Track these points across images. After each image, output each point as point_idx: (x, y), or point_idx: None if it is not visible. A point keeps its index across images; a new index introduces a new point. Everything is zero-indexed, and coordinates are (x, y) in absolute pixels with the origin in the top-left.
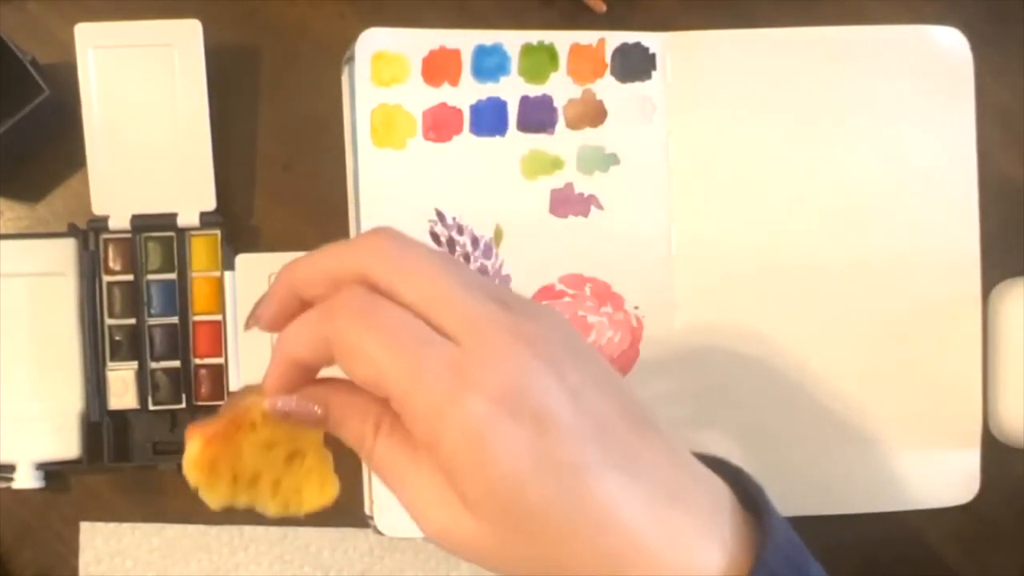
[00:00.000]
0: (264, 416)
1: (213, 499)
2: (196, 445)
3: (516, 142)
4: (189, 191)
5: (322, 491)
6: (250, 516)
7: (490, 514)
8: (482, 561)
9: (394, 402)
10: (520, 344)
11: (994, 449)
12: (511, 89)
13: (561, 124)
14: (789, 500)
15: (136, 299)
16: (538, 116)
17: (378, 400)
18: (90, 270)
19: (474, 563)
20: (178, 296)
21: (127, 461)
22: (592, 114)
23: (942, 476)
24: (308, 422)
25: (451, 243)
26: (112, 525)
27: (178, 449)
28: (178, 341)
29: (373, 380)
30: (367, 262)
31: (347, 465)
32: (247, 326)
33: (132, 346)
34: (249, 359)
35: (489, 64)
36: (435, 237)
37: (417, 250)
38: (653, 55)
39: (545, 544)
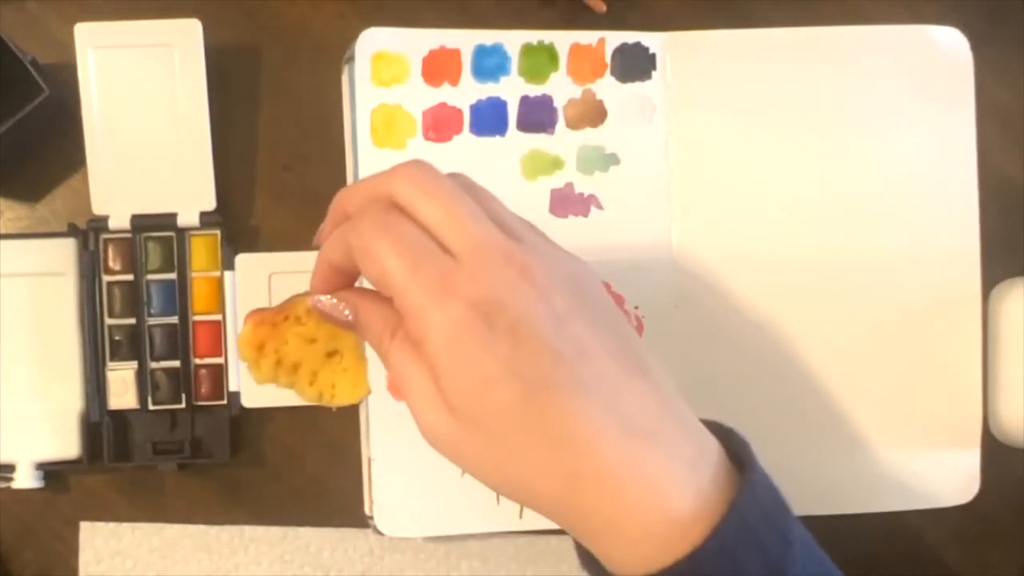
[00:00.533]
0: (308, 312)
1: (257, 375)
2: (248, 326)
3: (516, 142)
4: (189, 191)
5: (354, 389)
6: (250, 516)
7: (462, 414)
8: (456, 459)
9: (395, 301)
10: (511, 267)
11: (994, 449)
12: (511, 89)
13: (561, 124)
14: (789, 500)
15: (136, 299)
16: (538, 116)
17: (397, 311)
18: (90, 270)
19: (453, 462)
20: (178, 296)
21: (127, 461)
22: (592, 114)
23: (942, 476)
24: (341, 322)
25: None
26: (112, 525)
27: (178, 449)
28: (178, 341)
29: (381, 280)
30: (396, 184)
31: (347, 466)
32: (312, 244)
33: (132, 346)
34: None
35: (489, 64)
36: None
37: (441, 179)
38: (653, 55)
39: (507, 451)
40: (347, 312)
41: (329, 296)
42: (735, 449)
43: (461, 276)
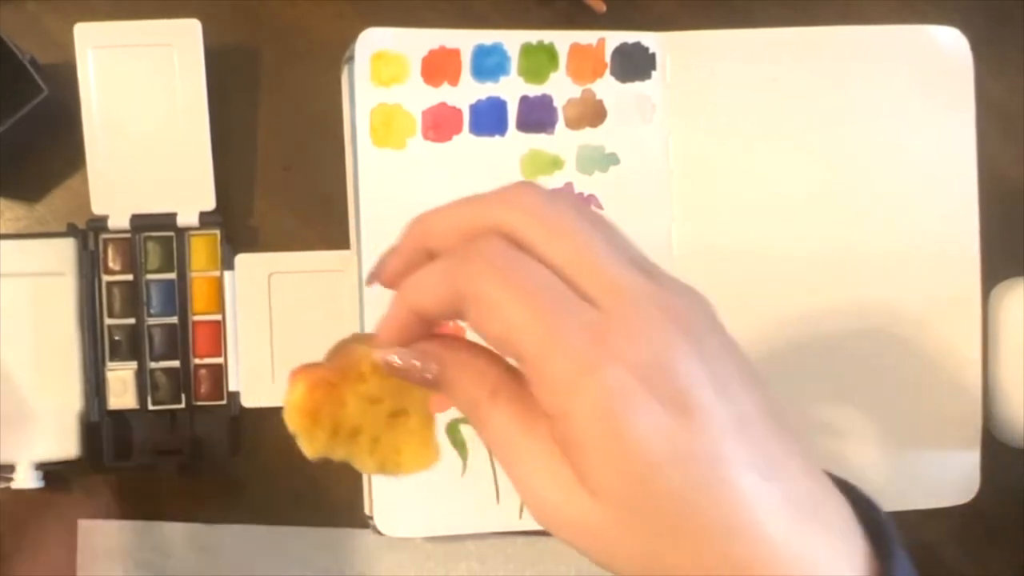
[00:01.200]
0: (373, 368)
1: (311, 448)
2: (301, 389)
3: (516, 142)
4: (189, 191)
5: (422, 455)
6: (250, 516)
7: (611, 497)
8: (588, 547)
9: (525, 365)
10: (668, 319)
11: (994, 449)
12: (511, 89)
13: (561, 124)
14: None
15: (136, 299)
16: (538, 116)
17: (497, 363)
18: (90, 270)
19: (579, 548)
20: (178, 296)
21: (127, 461)
22: (592, 114)
23: (942, 476)
24: (419, 380)
25: None
26: (110, 523)
27: (178, 449)
28: (177, 341)
29: (505, 338)
30: (509, 215)
31: (347, 466)
32: (369, 281)
33: (131, 346)
34: (249, 359)
35: (489, 64)
36: None
37: (564, 206)
38: (653, 55)
39: (665, 538)
40: (433, 367)
41: (406, 350)
42: (863, 510)
43: (616, 333)
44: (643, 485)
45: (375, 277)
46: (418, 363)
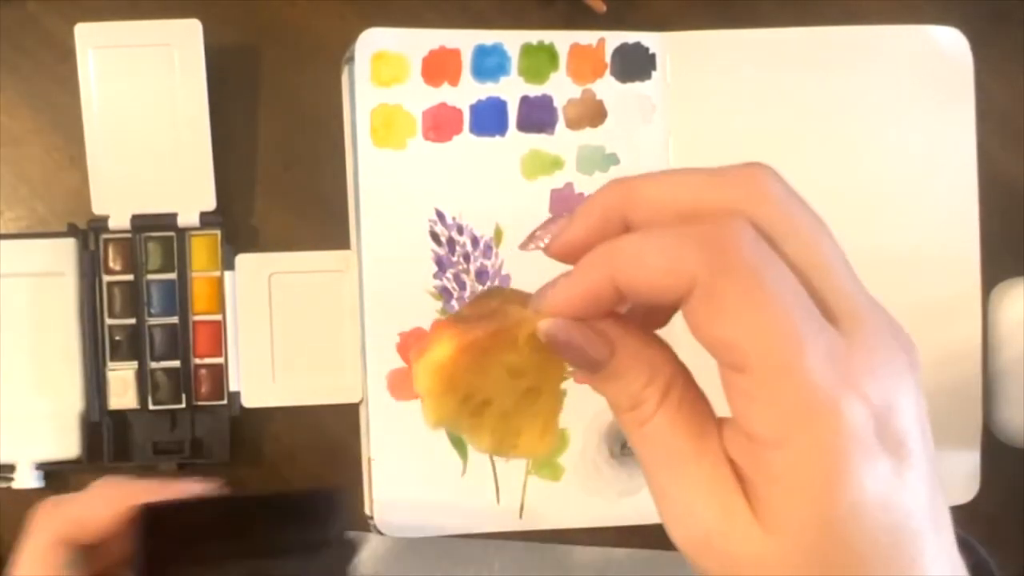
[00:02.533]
0: (528, 338)
1: (436, 414)
2: (447, 348)
3: (516, 142)
4: (189, 191)
5: (542, 440)
6: None
7: (793, 535)
8: None
9: (748, 377)
10: (903, 354)
11: (994, 449)
12: (511, 89)
13: (561, 124)
14: None
15: (136, 299)
16: (538, 116)
17: (673, 361)
18: (90, 270)
19: None
20: (178, 296)
21: (127, 461)
22: (592, 114)
23: (942, 476)
24: (582, 362)
25: (451, 243)
26: None
27: (178, 449)
28: (178, 341)
29: (734, 344)
30: (749, 201)
31: (347, 466)
32: (525, 245)
33: (132, 346)
34: (249, 359)
35: (489, 64)
36: (435, 237)
37: (804, 205)
38: (653, 55)
39: None
40: (603, 354)
41: (579, 325)
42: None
43: (860, 365)
44: (837, 528)
45: (543, 241)
46: (589, 343)
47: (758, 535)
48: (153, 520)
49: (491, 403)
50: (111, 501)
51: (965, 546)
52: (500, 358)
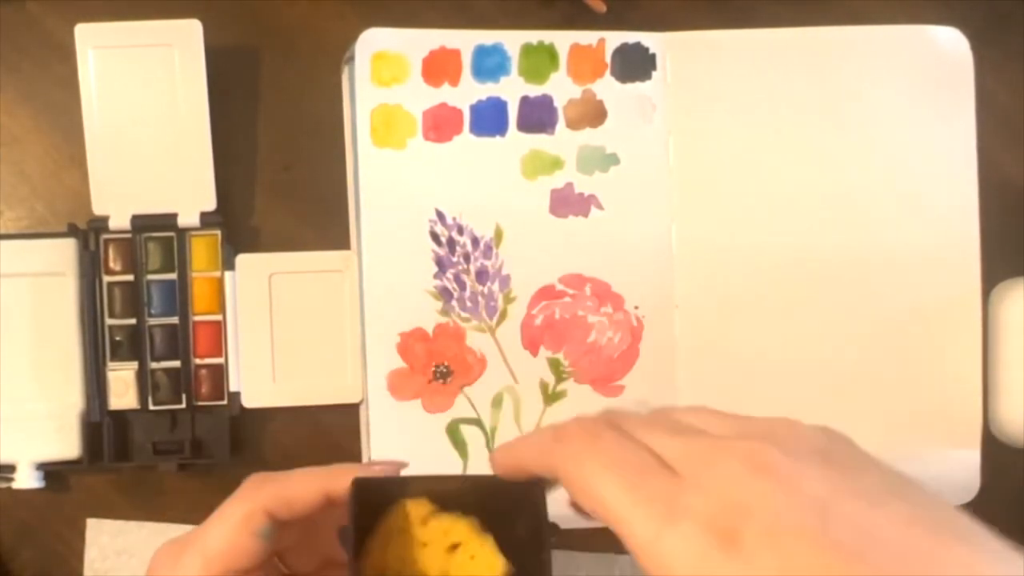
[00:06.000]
0: (413, 518)
1: None
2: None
3: (516, 142)
4: (189, 191)
5: (492, 572)
6: None
7: None
8: None
9: (619, 535)
10: (735, 462)
11: (994, 449)
12: (511, 89)
13: (561, 124)
14: None
15: (136, 299)
16: (538, 116)
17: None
18: (90, 270)
19: None
20: (178, 296)
21: (127, 461)
22: (592, 114)
23: (942, 476)
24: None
25: (451, 243)
26: (118, 523)
27: (178, 449)
28: (178, 341)
29: (596, 511)
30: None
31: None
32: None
33: (132, 346)
34: (249, 359)
35: (489, 64)
36: (435, 237)
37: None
38: (653, 55)
39: None
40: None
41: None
42: None
43: (689, 491)
44: None
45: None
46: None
47: None
48: (363, 492)
49: (428, 573)
50: (319, 480)
51: None
52: (410, 542)
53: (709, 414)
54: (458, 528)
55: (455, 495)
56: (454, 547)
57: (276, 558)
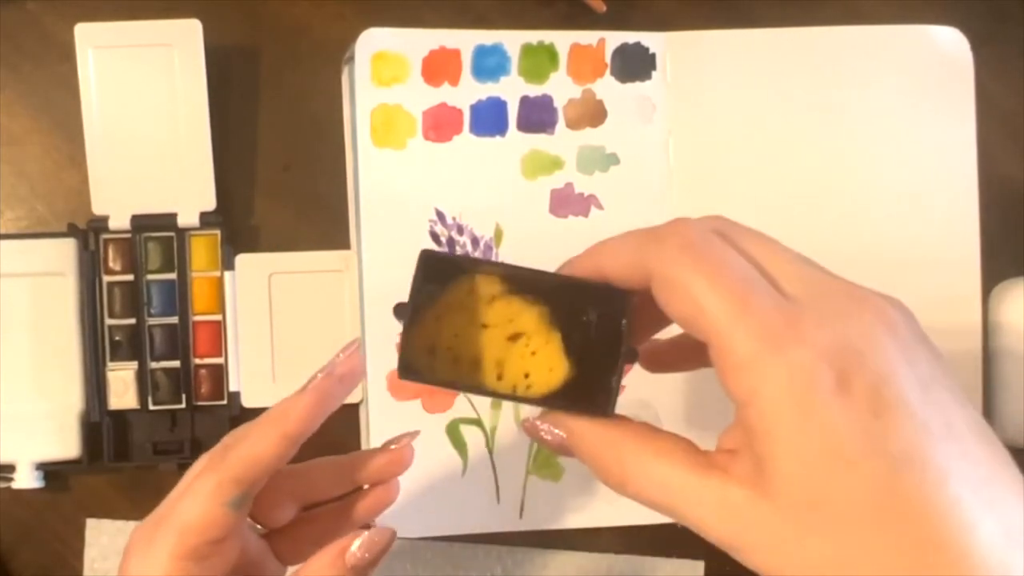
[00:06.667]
0: (467, 294)
1: (437, 380)
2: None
3: (516, 142)
4: (189, 191)
5: (551, 372)
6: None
7: (794, 494)
8: (765, 563)
9: (711, 347)
10: (866, 311)
11: None
12: (511, 89)
13: (561, 124)
14: None
15: (136, 299)
16: (538, 116)
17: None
18: (90, 270)
19: (758, 567)
20: (178, 296)
21: (127, 461)
22: (592, 114)
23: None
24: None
25: (451, 243)
26: (118, 523)
27: (178, 449)
28: (178, 341)
29: (691, 317)
30: (710, 220)
31: None
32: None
33: (132, 346)
34: (249, 359)
35: (489, 64)
36: (435, 237)
37: (718, 249)
38: (653, 55)
39: (853, 547)
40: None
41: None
42: None
43: (807, 318)
44: (831, 481)
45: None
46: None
47: (770, 513)
48: (430, 262)
49: (481, 357)
50: (275, 426)
51: None
52: (469, 320)
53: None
54: (525, 317)
55: (530, 282)
56: (516, 336)
57: (249, 518)
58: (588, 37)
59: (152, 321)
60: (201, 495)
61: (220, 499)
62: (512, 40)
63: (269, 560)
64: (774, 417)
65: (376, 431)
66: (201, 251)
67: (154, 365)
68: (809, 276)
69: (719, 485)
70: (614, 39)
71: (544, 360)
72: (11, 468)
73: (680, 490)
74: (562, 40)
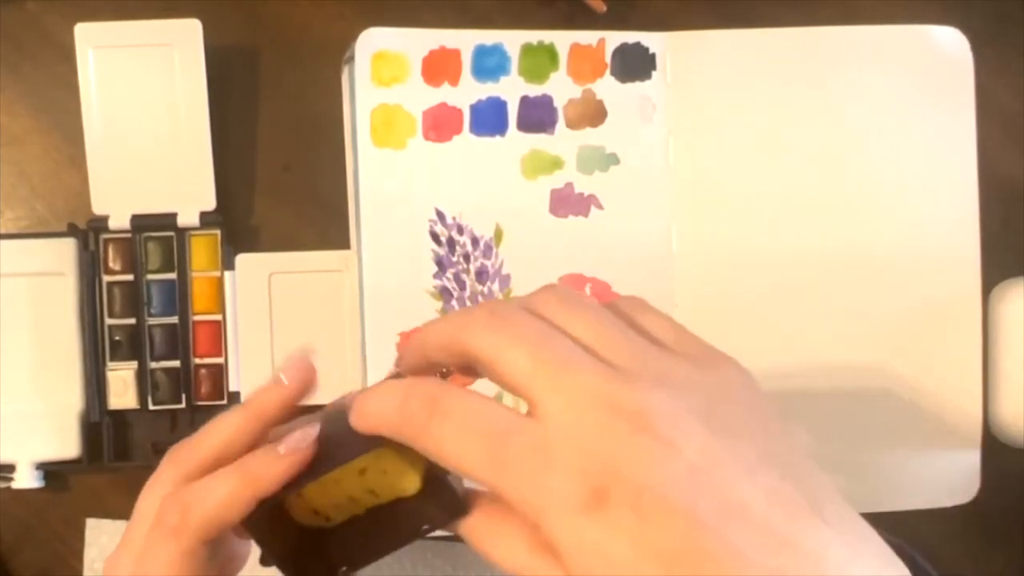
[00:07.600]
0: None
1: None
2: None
3: (516, 142)
4: (189, 191)
5: (405, 480)
6: None
7: None
8: None
9: (500, 497)
10: (619, 421)
11: (994, 449)
12: (511, 89)
13: (561, 124)
14: None
15: (136, 299)
16: (538, 116)
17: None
18: (90, 270)
19: None
20: (178, 296)
21: (127, 461)
22: (592, 114)
23: (942, 476)
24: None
25: (451, 243)
26: (118, 523)
27: None
28: (178, 341)
29: (465, 474)
30: (473, 335)
31: None
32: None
33: (132, 346)
34: (249, 359)
35: (489, 64)
36: (435, 237)
37: (520, 315)
38: (653, 55)
39: None
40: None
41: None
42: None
43: (556, 446)
44: None
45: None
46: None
47: None
48: (258, 521)
49: (344, 501)
50: (244, 489)
51: (902, 553)
52: (319, 492)
53: (633, 316)
54: (357, 462)
55: (333, 462)
56: (363, 471)
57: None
58: (588, 37)
59: (152, 321)
60: (173, 568)
61: (193, 565)
62: (512, 40)
63: (228, 537)
64: (556, 538)
65: None
66: (201, 251)
67: (154, 365)
68: (562, 384)
69: (552, 565)
70: (614, 39)
71: (396, 474)
72: (11, 468)
73: (524, 566)
74: (562, 40)
